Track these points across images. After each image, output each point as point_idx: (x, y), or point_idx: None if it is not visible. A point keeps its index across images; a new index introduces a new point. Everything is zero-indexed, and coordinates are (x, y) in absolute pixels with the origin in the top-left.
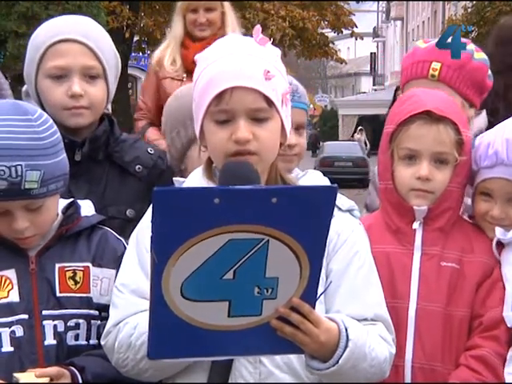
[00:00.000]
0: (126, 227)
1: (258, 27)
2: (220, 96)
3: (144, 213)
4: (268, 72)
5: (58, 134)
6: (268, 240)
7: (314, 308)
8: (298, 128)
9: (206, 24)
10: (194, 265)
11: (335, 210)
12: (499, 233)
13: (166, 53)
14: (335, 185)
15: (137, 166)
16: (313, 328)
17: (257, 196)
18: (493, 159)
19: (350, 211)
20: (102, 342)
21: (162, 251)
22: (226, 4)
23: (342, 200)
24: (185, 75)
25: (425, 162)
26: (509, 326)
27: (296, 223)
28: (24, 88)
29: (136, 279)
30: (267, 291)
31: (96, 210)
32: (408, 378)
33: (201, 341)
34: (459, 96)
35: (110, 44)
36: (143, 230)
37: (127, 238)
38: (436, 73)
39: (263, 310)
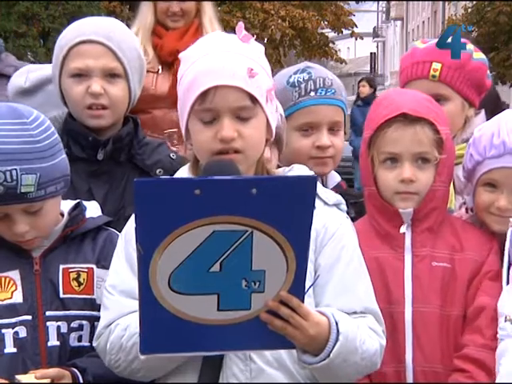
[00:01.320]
0: None
1: (241, 24)
2: (204, 95)
3: None
4: (251, 70)
5: (56, 135)
6: (252, 232)
7: (302, 301)
8: (332, 128)
9: (179, 14)
10: (181, 257)
11: (321, 204)
12: None
13: None
14: (314, 174)
15: (158, 170)
16: (302, 321)
17: (236, 186)
18: (500, 149)
19: (336, 205)
20: (94, 344)
21: (147, 243)
22: None
23: (328, 194)
24: (160, 67)
25: (406, 164)
26: None
27: (278, 214)
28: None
29: (125, 280)
30: (255, 284)
31: (115, 210)
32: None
33: (192, 335)
34: (459, 96)
35: (133, 45)
36: (130, 230)
37: None
38: (437, 73)
39: (252, 303)
